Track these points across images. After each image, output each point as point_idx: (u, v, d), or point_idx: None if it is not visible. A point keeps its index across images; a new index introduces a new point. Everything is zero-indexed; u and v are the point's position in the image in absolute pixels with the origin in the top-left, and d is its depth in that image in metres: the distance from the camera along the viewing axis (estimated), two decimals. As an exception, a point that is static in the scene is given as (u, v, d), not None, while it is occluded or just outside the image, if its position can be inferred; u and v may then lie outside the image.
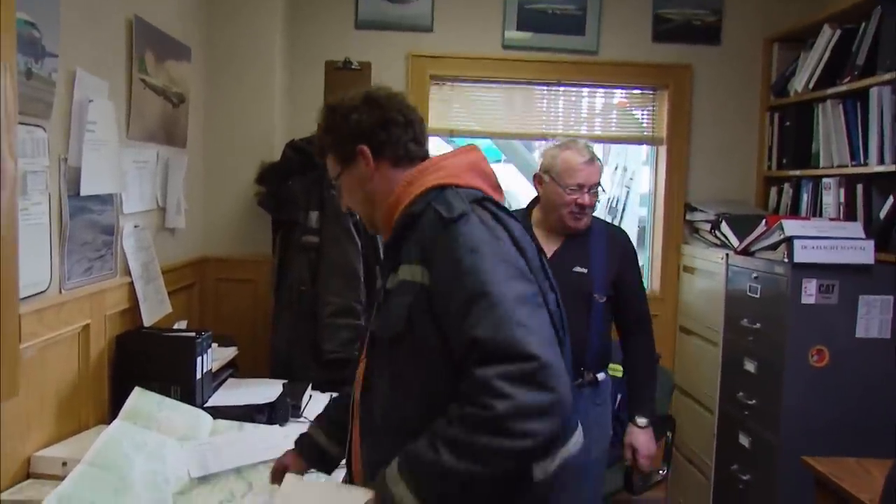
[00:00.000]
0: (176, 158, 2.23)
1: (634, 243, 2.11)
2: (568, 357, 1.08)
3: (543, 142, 2.84)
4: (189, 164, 2.36)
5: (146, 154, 2.02)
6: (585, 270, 1.89)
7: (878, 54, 2.26)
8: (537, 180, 1.97)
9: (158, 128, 2.09)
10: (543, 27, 2.94)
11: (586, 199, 1.88)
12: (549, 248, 1.90)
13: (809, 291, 2.09)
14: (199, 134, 2.53)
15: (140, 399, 1.62)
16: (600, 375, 1.91)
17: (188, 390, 1.77)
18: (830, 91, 2.45)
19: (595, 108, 3.11)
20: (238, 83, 2.61)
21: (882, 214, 2.19)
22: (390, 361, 1.07)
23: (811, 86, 2.56)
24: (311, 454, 1.33)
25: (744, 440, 2.35)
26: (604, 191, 1.96)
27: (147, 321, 1.91)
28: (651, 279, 3.07)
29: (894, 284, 2.09)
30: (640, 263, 2.17)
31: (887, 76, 2.17)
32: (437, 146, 3.11)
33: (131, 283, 1.86)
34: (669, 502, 2.88)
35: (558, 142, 1.98)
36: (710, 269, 2.65)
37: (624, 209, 3.74)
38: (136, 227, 1.92)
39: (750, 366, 2.32)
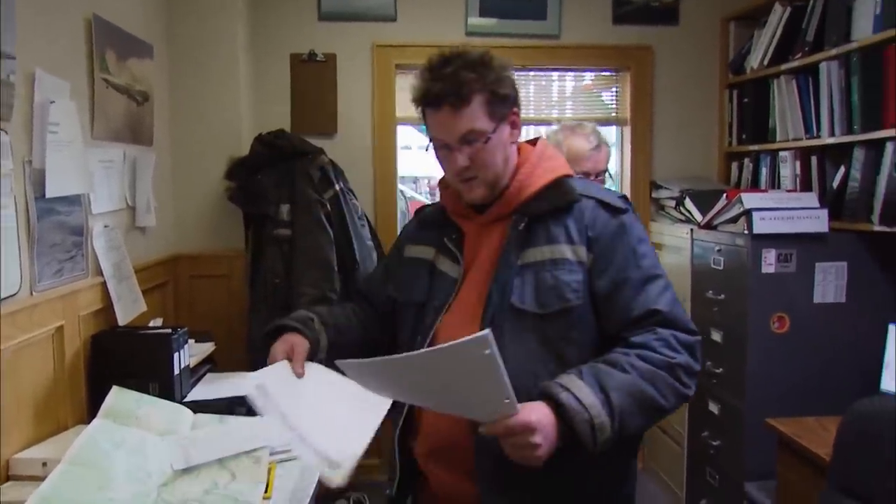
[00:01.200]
0: (143, 157, 2.23)
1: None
2: None
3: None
4: (157, 162, 2.35)
5: (112, 153, 2.02)
6: None
7: (825, 31, 2.34)
8: None
9: (123, 127, 2.08)
10: (506, 13, 2.97)
11: None
12: None
13: (769, 261, 2.17)
14: (165, 131, 2.52)
15: (118, 397, 1.63)
16: None
17: (166, 386, 1.78)
18: (784, 67, 2.52)
19: (565, 91, 3.16)
20: (202, 79, 2.60)
21: (835, 184, 2.28)
22: (537, 332, 1.11)
23: (766, 63, 2.64)
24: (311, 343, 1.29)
25: (713, 407, 2.44)
26: (611, 176, 1.93)
27: (122, 320, 1.92)
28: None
29: (848, 251, 2.19)
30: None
31: (834, 51, 2.25)
32: (407, 135, 3.14)
33: (104, 283, 1.86)
34: (644, 471, 2.97)
35: (563, 126, 1.95)
36: (677, 244, 2.72)
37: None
38: (105, 226, 1.92)
39: (716, 335, 2.40)
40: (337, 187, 2.53)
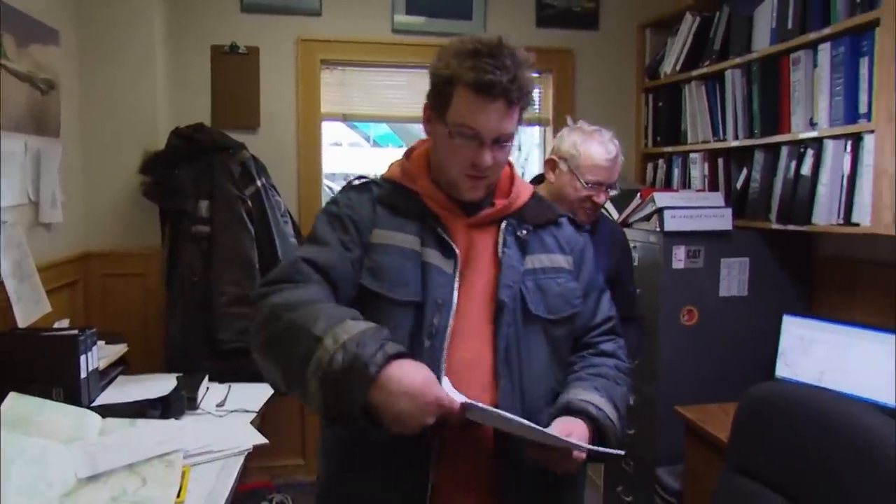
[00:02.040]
0: (48, 148, 2.11)
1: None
2: None
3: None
4: (65, 155, 2.23)
5: (12, 145, 1.90)
6: None
7: (730, 41, 2.48)
8: (550, 165, 1.80)
9: (25, 116, 1.97)
10: (432, 11, 2.99)
11: (602, 197, 1.77)
12: None
13: (679, 257, 2.29)
14: (74, 122, 2.39)
15: (15, 404, 1.54)
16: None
17: (72, 391, 1.70)
18: (694, 73, 2.66)
19: None
20: (116, 68, 2.48)
21: (738, 185, 2.42)
22: (547, 337, 1.16)
23: (678, 69, 2.77)
24: None
25: (630, 398, 2.54)
26: (618, 190, 1.85)
27: (22, 322, 1.81)
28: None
29: (750, 247, 2.33)
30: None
31: (738, 60, 2.39)
32: (333, 131, 3.10)
33: (1, 283, 1.76)
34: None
35: (581, 127, 1.81)
36: (595, 241, 2.82)
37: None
38: (4, 222, 1.81)
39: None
40: (259, 183, 2.48)
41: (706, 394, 2.21)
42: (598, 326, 1.25)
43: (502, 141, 1.11)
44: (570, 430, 1.04)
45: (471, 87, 1.06)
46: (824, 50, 2.04)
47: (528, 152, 3.88)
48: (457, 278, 1.12)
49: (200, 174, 2.40)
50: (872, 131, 1.86)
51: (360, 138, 6.88)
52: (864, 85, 1.91)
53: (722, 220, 2.29)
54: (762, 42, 2.31)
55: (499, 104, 1.06)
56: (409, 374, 0.91)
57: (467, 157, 1.10)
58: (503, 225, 1.18)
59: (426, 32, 2.97)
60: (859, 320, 2.12)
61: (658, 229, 2.31)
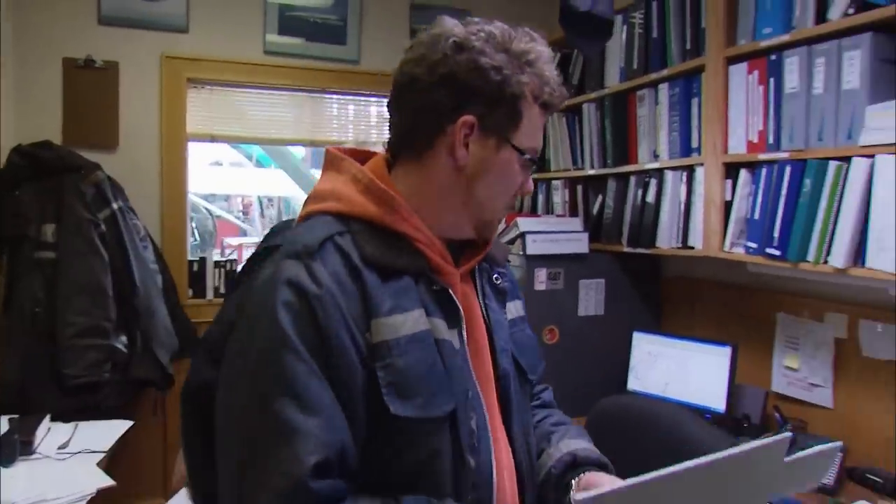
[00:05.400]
0: None
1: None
2: None
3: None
4: None
5: None
6: None
7: (586, 76, 2.67)
8: None
9: None
10: (305, 34, 2.98)
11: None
12: None
13: (541, 279, 2.41)
14: None
15: None
16: None
17: None
18: (556, 105, 2.83)
19: (371, 115, 3.22)
20: (-55, 79, 2.26)
21: (595, 210, 2.59)
22: (526, 393, 0.99)
23: (542, 100, 2.94)
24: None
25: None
26: None
27: None
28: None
29: (605, 269, 2.50)
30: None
31: (593, 95, 2.58)
32: (200, 151, 2.99)
33: None
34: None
35: None
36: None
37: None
38: None
39: (501, 349, 2.60)
40: (114, 206, 2.34)
41: (567, 409, 2.28)
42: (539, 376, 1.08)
43: None
44: (599, 482, 0.90)
45: (542, 105, 0.87)
46: (663, 89, 2.25)
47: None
48: (468, 353, 0.87)
49: (45, 196, 2.23)
50: (702, 164, 2.07)
51: (242, 157, 6.67)
52: (695, 122, 2.13)
53: (580, 243, 2.43)
54: (613, 79, 2.50)
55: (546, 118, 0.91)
56: None
57: (518, 184, 0.89)
58: (489, 270, 0.97)
59: (301, 55, 2.96)
60: (699, 335, 2.33)
61: (521, 252, 2.42)
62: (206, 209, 5.68)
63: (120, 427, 1.99)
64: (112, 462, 1.86)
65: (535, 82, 0.85)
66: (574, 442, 1.00)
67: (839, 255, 1.59)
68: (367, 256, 0.80)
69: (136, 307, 2.28)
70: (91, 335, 2.15)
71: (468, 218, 0.89)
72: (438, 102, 0.83)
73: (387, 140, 0.92)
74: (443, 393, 0.80)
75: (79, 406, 2.04)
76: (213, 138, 2.93)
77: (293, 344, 0.74)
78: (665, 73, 2.21)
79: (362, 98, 3.14)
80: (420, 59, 0.84)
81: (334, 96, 3.09)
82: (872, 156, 1.53)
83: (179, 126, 2.80)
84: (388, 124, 0.91)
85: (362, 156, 0.92)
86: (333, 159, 0.90)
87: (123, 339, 2.24)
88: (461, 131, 0.83)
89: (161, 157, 2.78)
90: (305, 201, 0.90)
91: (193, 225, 4.66)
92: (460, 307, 0.86)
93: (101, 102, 2.68)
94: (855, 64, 1.58)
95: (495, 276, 0.97)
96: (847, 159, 1.60)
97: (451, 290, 0.85)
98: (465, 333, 0.86)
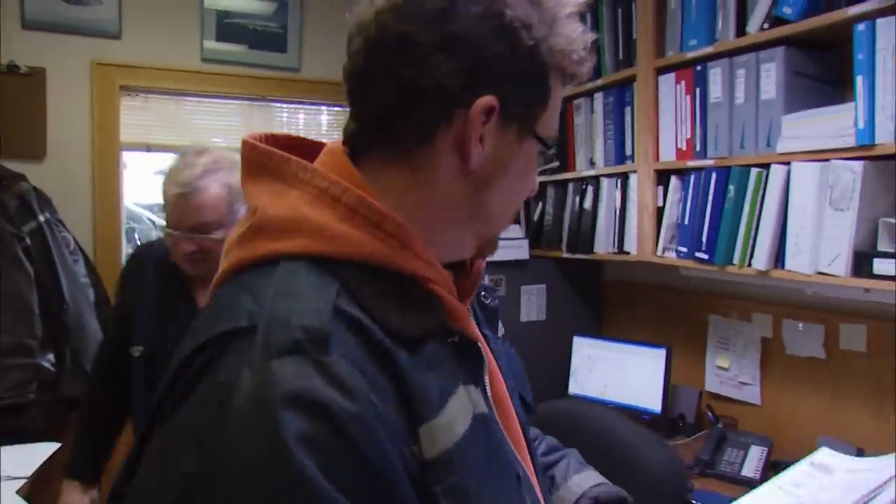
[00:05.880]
0: None
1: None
2: None
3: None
4: None
5: None
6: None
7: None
8: None
9: None
10: (245, 42, 2.93)
11: (184, 245, 1.38)
12: (205, 293, 1.22)
13: (483, 286, 2.43)
14: None
15: None
16: None
17: None
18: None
19: (322, 124, 3.16)
20: None
21: (535, 217, 2.63)
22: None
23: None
24: None
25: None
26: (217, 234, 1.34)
27: None
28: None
29: (546, 275, 2.53)
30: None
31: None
32: (142, 161, 2.92)
33: None
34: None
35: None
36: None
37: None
38: None
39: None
40: (41, 218, 2.25)
41: (512, 414, 2.34)
42: None
43: None
44: None
45: (567, 77, 0.63)
46: (598, 98, 2.31)
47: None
48: (496, 413, 0.64)
49: (-35, 208, 2.12)
50: (635, 171, 2.13)
51: (185, 166, 6.49)
52: (628, 130, 2.19)
53: (520, 250, 2.47)
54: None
55: None
56: None
57: (533, 189, 0.69)
58: (478, 294, 0.78)
59: (240, 63, 2.90)
60: (638, 337, 2.39)
61: (464, 260, 2.43)
62: (150, 219, 5.52)
63: (45, 450, 1.90)
64: (39, 488, 1.78)
65: (563, 45, 0.60)
66: (584, 478, 0.86)
67: (761, 258, 1.66)
68: (391, 327, 0.53)
69: (66, 323, 2.19)
70: (14, 354, 2.05)
71: (473, 234, 0.65)
72: (443, 77, 0.56)
73: (347, 127, 0.63)
74: (506, 493, 0.60)
75: (2, 429, 1.94)
76: (148, 147, 2.84)
77: None
78: (599, 82, 2.27)
79: (313, 106, 3.10)
80: (408, 7, 0.56)
81: (283, 105, 3.05)
82: (789, 163, 1.61)
83: (112, 135, 2.71)
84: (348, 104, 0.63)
85: (297, 148, 0.63)
86: (269, 160, 0.59)
87: (51, 357, 2.15)
88: (478, 120, 0.57)
89: (93, 166, 2.69)
90: (243, 236, 0.58)
91: (136, 235, 4.55)
92: (486, 359, 0.62)
93: (26, 110, 2.57)
94: (771, 75, 1.66)
95: (483, 293, 0.77)
96: (766, 166, 1.67)
97: (476, 340, 0.61)
98: (489, 389, 0.63)
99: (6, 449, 1.91)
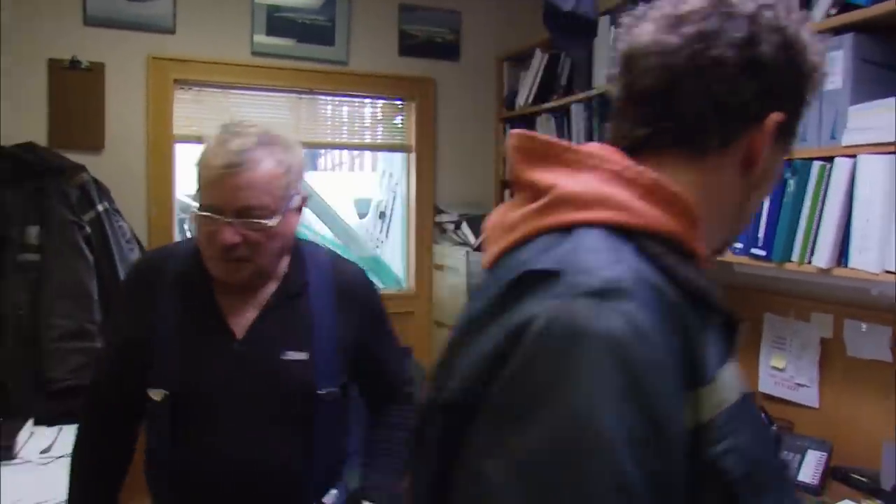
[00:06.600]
0: None
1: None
2: None
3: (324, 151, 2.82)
4: None
5: None
6: (305, 356, 1.16)
7: (574, 77, 2.67)
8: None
9: None
10: (293, 35, 2.97)
11: (228, 235, 1.08)
12: (240, 317, 1.16)
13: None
14: None
15: None
16: (328, 498, 1.25)
17: None
18: (545, 106, 2.83)
19: (364, 117, 3.19)
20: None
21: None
22: None
23: (530, 101, 2.94)
24: None
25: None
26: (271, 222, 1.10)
27: None
28: (407, 278, 3.26)
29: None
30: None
31: (581, 95, 2.58)
32: (186, 154, 2.98)
33: None
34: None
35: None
36: (455, 265, 2.90)
37: (392, 214, 3.92)
38: None
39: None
40: (99, 208, 2.33)
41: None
42: None
43: None
44: None
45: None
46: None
47: (398, 176, 3.93)
48: None
49: (29, 197, 2.21)
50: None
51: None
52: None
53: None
54: (601, 80, 2.50)
55: None
56: None
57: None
58: None
59: (288, 56, 2.94)
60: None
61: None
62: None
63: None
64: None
65: (818, 63, 0.67)
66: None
67: (823, 256, 1.59)
68: (689, 288, 0.58)
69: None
70: (75, 338, 2.14)
71: (726, 232, 0.71)
72: (748, 95, 0.63)
73: (633, 129, 0.66)
74: (777, 464, 0.63)
75: (63, 410, 2.02)
76: (200, 140, 2.90)
77: (632, 479, 0.48)
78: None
79: (356, 99, 3.13)
80: (720, 34, 0.62)
81: (328, 97, 3.08)
82: (855, 156, 1.53)
83: (166, 128, 2.78)
84: (627, 108, 0.67)
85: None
86: (550, 149, 0.65)
87: (108, 341, 2.23)
88: (769, 133, 0.65)
89: (147, 158, 2.77)
90: (540, 209, 0.61)
91: (186, 227, 4.66)
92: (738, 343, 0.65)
93: (86, 104, 2.66)
94: (838, 64, 1.58)
95: None
96: (830, 159, 1.60)
97: (741, 321, 0.66)
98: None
99: (67, 428, 1.99)
